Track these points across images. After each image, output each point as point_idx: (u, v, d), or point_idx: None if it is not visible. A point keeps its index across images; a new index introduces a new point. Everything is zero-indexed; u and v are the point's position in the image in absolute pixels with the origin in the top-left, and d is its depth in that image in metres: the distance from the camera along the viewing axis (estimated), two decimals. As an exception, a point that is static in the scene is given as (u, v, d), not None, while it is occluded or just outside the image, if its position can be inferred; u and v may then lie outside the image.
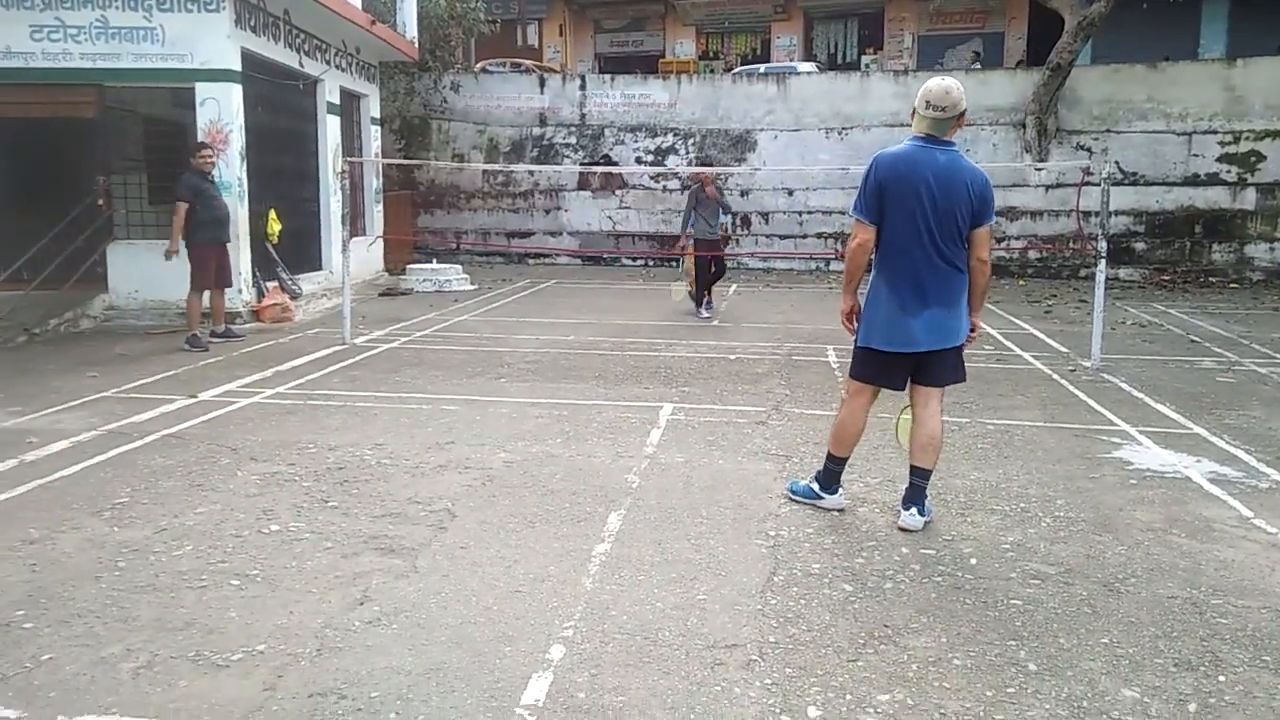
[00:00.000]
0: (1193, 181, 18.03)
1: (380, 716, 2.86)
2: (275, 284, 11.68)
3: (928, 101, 4.24)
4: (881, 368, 4.48)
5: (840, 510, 4.69)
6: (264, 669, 3.13)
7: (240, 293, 10.83)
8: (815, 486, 4.75)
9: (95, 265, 10.92)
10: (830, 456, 4.69)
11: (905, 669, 3.18)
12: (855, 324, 4.55)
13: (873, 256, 4.42)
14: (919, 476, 4.48)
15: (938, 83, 4.28)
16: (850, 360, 4.66)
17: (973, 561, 4.10)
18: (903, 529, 4.43)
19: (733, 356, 9.02)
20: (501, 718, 2.85)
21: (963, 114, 4.27)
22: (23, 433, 6.00)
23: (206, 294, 9.53)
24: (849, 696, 3.00)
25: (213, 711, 2.87)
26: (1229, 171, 17.90)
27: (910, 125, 4.41)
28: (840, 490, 4.73)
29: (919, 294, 4.29)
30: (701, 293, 11.74)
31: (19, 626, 3.42)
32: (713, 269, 11.72)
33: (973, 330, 4.49)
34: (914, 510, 4.46)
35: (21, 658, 3.19)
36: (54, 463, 5.37)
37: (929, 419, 4.46)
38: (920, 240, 4.24)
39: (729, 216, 11.97)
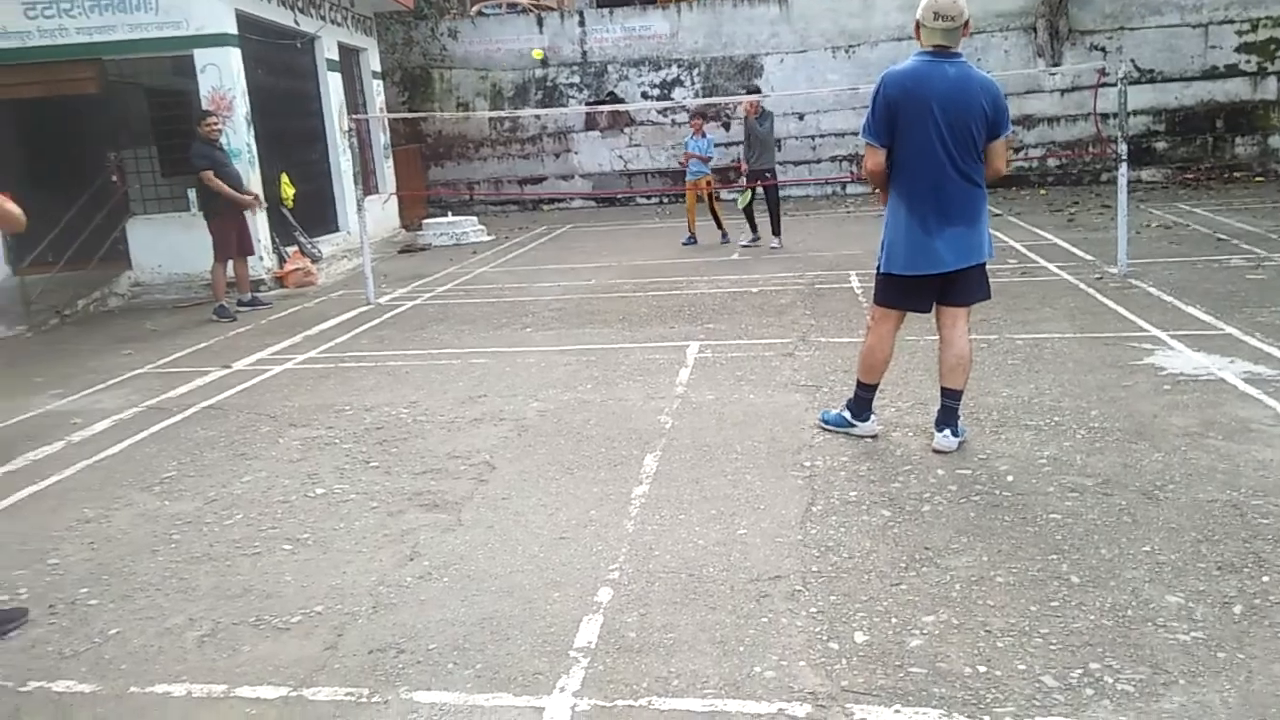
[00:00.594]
0: (1211, 75, 17.57)
1: (440, 667, 2.95)
2: (295, 249, 11.72)
3: (936, 12, 4.12)
4: (905, 292, 4.45)
5: (874, 436, 4.71)
6: (323, 629, 3.23)
7: (262, 260, 10.88)
8: (847, 415, 4.77)
9: (117, 242, 11.01)
10: (860, 384, 4.70)
11: (948, 589, 3.23)
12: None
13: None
14: (950, 398, 4.48)
15: None
16: (874, 286, 4.65)
17: (1009, 478, 4.13)
18: (937, 451, 4.46)
19: (755, 290, 9.00)
20: (556, 661, 2.93)
21: (968, 21, 4.17)
22: (66, 414, 6.11)
23: (230, 263, 9.58)
24: (894, 620, 3.06)
25: (279, 673, 2.97)
26: (1248, 61, 17.41)
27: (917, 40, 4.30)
28: (873, 416, 4.75)
29: (941, 213, 4.22)
30: (752, 221, 11.95)
31: (84, 604, 3.53)
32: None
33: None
34: (947, 432, 4.48)
35: (90, 634, 3.30)
36: (99, 442, 5.49)
37: (957, 339, 4.45)
38: (938, 158, 4.16)
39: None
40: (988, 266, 4.45)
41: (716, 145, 13.62)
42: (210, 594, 3.54)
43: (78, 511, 4.44)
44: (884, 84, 4.23)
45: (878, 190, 4.51)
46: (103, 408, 6.21)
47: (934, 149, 4.15)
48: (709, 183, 12.34)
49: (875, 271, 4.58)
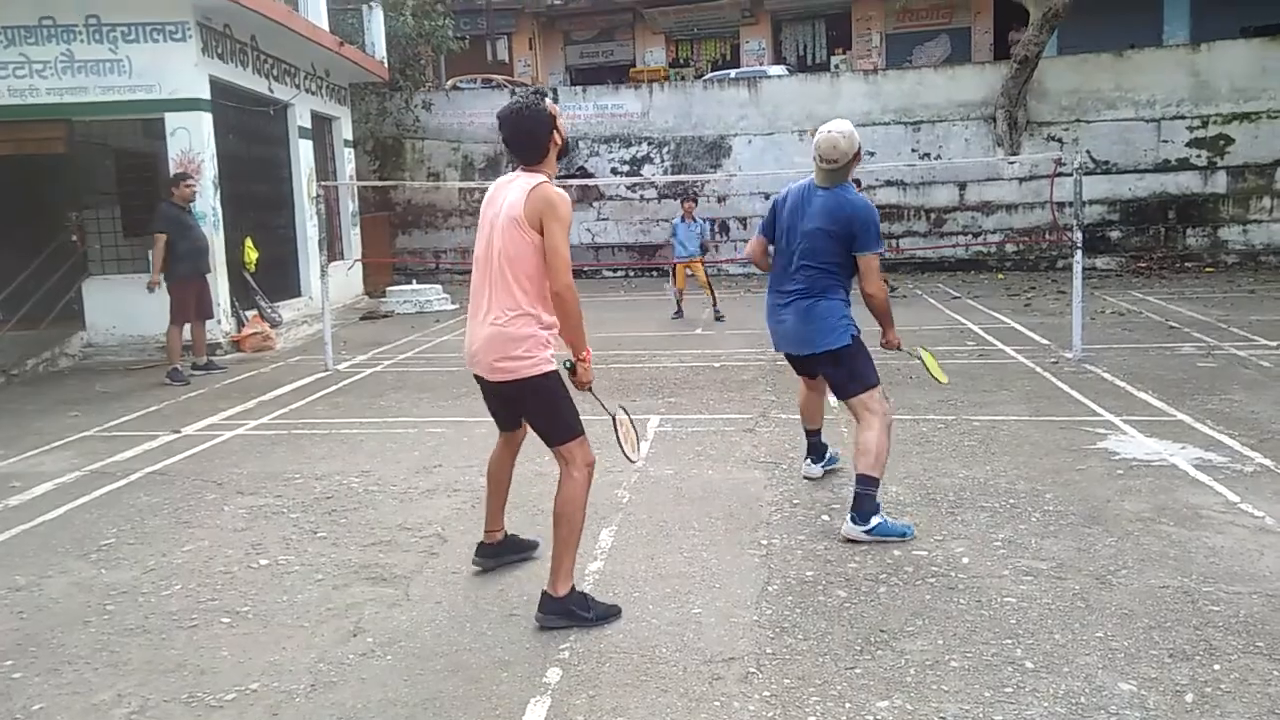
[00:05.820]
0: (1163, 167, 18.17)
1: (378, 750, 2.84)
2: (255, 313, 11.62)
3: (819, 155, 4.56)
4: (790, 362, 5.05)
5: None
6: (258, 708, 3.10)
7: (220, 323, 10.77)
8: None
9: (71, 302, 10.85)
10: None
11: (903, 673, 3.18)
12: None
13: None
14: (857, 482, 4.41)
15: (825, 137, 4.52)
16: None
17: (965, 561, 4.11)
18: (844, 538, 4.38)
19: (717, 364, 9.02)
20: (501, 745, 2.83)
21: (858, 153, 4.56)
22: (4, 477, 5.93)
23: (187, 326, 9.46)
24: (848, 705, 3.00)
25: (208, 754, 2.84)
26: (1199, 156, 18.05)
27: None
28: (810, 460, 5.39)
29: (780, 301, 4.75)
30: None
31: (8, 677, 3.37)
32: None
33: (885, 341, 4.83)
34: (850, 518, 4.39)
35: (12, 709, 3.15)
36: (38, 506, 5.32)
37: (859, 426, 4.56)
38: (789, 258, 4.69)
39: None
40: (851, 365, 4.61)
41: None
42: (142, 669, 3.40)
43: (8, 579, 4.27)
44: (781, 193, 4.88)
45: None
46: (44, 471, 6.04)
47: (789, 250, 4.71)
48: (702, 262, 12.60)
49: None
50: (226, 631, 3.68)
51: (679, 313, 12.56)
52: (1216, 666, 3.14)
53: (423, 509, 5.05)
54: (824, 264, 4.57)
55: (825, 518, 4.69)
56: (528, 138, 3.66)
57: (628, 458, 3.96)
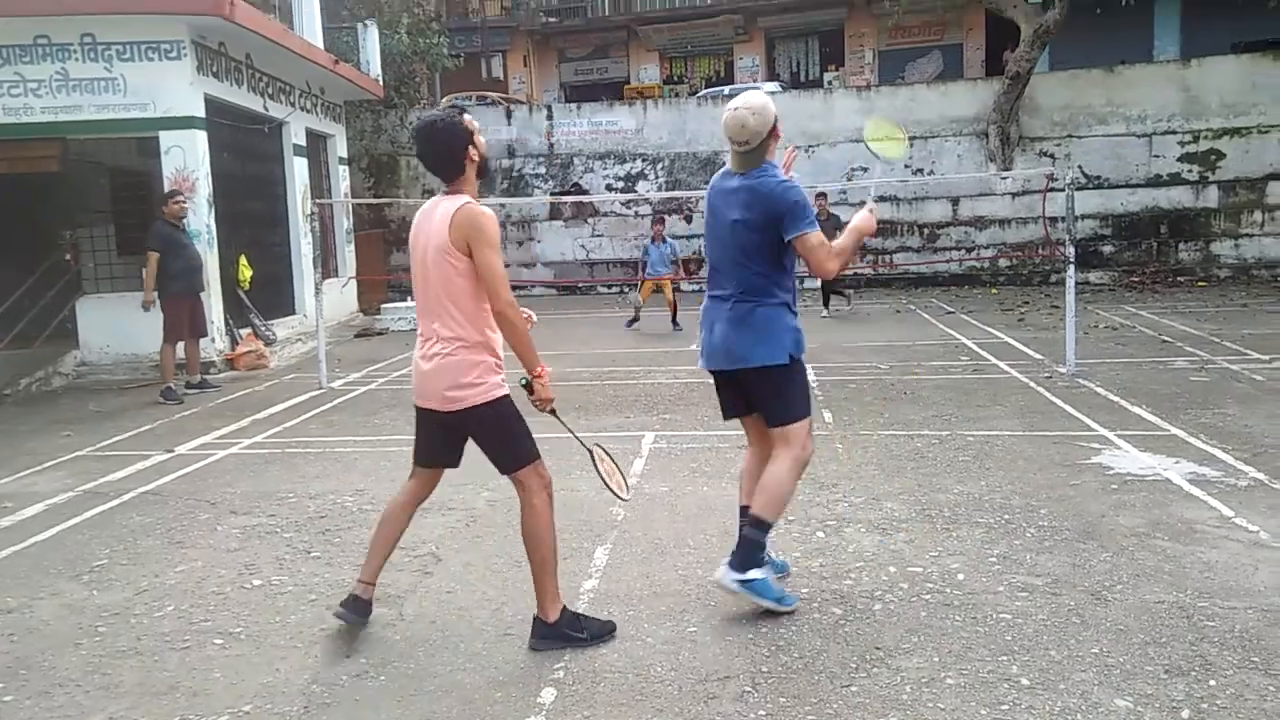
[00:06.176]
0: (1155, 182, 18.27)
1: (372, 773, 2.82)
2: (249, 331, 11.61)
3: (728, 136, 3.86)
4: (718, 389, 4.18)
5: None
6: (251, 730, 3.08)
7: (214, 341, 10.75)
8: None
9: (65, 321, 10.84)
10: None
11: (899, 691, 3.17)
12: None
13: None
14: (747, 522, 3.85)
15: (731, 116, 3.80)
16: None
17: (960, 577, 4.11)
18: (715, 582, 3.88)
19: (711, 381, 8.99)
20: (495, 767, 2.81)
21: (774, 129, 3.85)
22: (-3, 497, 5.91)
23: (180, 345, 9.44)
24: (844, 724, 2.99)
25: (200, 778, 2.82)
26: (1190, 171, 18.16)
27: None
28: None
29: (712, 308, 4.03)
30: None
31: (-2, 700, 3.35)
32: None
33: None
34: (725, 566, 3.82)
35: (2, 733, 3.13)
36: (29, 527, 5.29)
37: (772, 459, 3.91)
38: (716, 258, 4.03)
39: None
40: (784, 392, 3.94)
41: (678, 238, 14.63)
42: (134, 691, 3.38)
43: None
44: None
45: None
46: (36, 491, 6.01)
47: (714, 250, 4.03)
48: (670, 281, 13.33)
49: None
50: (219, 653, 3.66)
51: (635, 320, 13.43)
52: (1212, 682, 3.14)
53: (416, 528, 4.98)
54: (753, 262, 3.86)
55: (820, 535, 4.69)
56: (443, 150, 3.52)
57: (617, 495, 3.84)
